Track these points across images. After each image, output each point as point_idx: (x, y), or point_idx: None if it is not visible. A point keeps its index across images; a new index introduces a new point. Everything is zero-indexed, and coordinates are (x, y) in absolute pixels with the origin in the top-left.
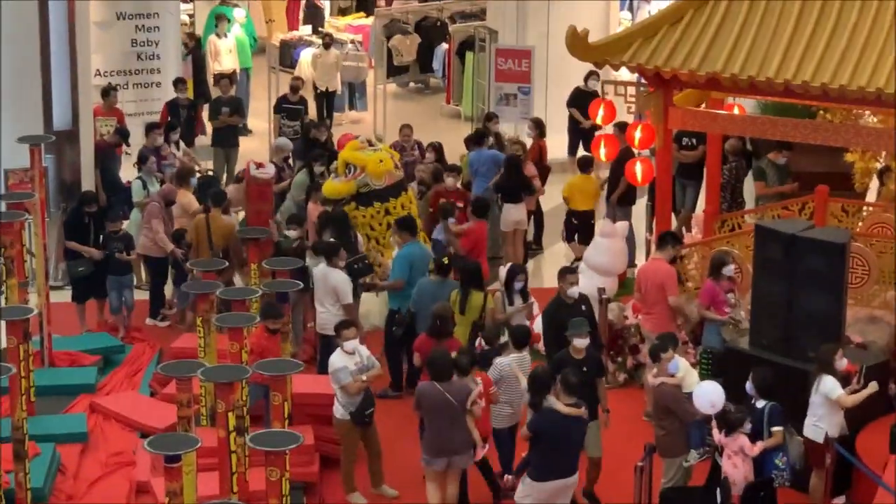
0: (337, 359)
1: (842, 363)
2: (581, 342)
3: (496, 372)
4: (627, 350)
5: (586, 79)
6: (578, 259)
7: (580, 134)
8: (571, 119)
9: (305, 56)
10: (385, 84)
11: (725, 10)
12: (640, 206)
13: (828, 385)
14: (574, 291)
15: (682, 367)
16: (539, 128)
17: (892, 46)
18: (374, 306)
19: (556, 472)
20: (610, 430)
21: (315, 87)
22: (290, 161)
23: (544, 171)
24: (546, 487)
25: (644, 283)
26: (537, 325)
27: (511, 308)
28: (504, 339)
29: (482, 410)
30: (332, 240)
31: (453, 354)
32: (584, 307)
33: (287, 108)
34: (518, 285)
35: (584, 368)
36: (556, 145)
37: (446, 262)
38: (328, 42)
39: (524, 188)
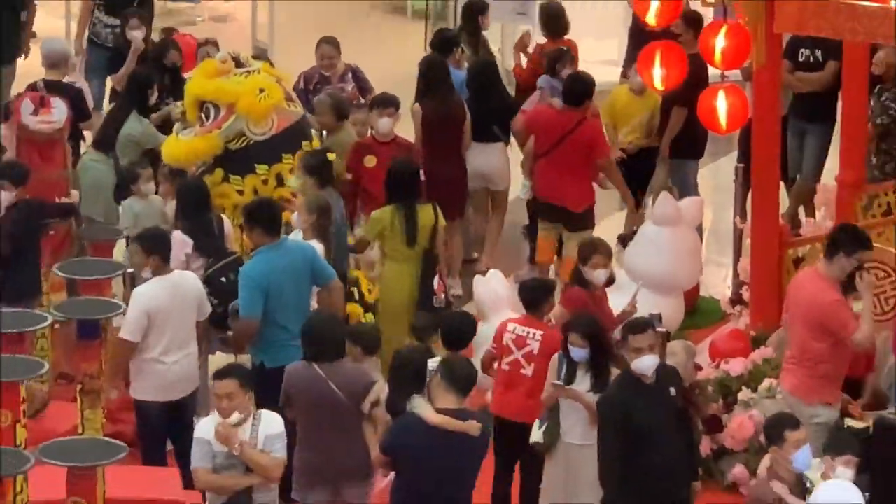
0: (203, 425)
1: None
2: None
3: None
4: (700, 425)
5: None
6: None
7: (646, 41)
8: (638, 21)
9: None
10: None
11: None
12: (723, 169)
13: None
14: (649, 363)
15: (817, 467)
16: (550, 21)
17: None
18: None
19: None
20: None
21: None
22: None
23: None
24: None
25: (791, 309)
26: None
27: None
28: None
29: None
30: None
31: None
32: (671, 390)
33: None
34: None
35: None
36: (593, 61)
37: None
38: None
39: (499, 118)
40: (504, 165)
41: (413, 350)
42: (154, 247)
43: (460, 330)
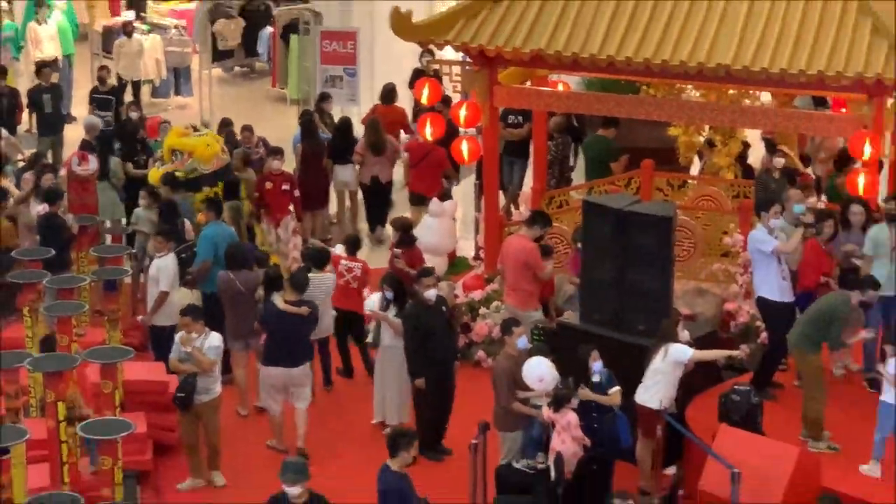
0: (177, 336)
1: (684, 335)
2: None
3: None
4: (459, 329)
5: (421, 57)
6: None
7: (421, 112)
8: (416, 101)
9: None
10: (210, 69)
11: None
12: (467, 184)
13: (678, 349)
14: (432, 294)
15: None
16: (387, 94)
17: (716, 18)
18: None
19: (279, 361)
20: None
21: (119, 79)
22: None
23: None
24: (271, 373)
25: (505, 260)
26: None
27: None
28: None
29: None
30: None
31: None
32: (444, 308)
33: (97, 98)
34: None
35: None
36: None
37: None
38: (130, 30)
39: (352, 151)
40: (355, 177)
41: (276, 269)
42: (170, 237)
43: (318, 256)
